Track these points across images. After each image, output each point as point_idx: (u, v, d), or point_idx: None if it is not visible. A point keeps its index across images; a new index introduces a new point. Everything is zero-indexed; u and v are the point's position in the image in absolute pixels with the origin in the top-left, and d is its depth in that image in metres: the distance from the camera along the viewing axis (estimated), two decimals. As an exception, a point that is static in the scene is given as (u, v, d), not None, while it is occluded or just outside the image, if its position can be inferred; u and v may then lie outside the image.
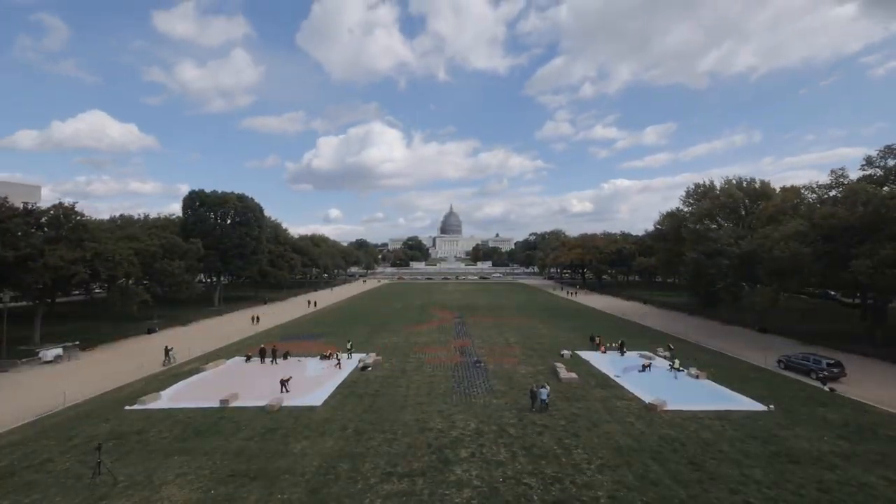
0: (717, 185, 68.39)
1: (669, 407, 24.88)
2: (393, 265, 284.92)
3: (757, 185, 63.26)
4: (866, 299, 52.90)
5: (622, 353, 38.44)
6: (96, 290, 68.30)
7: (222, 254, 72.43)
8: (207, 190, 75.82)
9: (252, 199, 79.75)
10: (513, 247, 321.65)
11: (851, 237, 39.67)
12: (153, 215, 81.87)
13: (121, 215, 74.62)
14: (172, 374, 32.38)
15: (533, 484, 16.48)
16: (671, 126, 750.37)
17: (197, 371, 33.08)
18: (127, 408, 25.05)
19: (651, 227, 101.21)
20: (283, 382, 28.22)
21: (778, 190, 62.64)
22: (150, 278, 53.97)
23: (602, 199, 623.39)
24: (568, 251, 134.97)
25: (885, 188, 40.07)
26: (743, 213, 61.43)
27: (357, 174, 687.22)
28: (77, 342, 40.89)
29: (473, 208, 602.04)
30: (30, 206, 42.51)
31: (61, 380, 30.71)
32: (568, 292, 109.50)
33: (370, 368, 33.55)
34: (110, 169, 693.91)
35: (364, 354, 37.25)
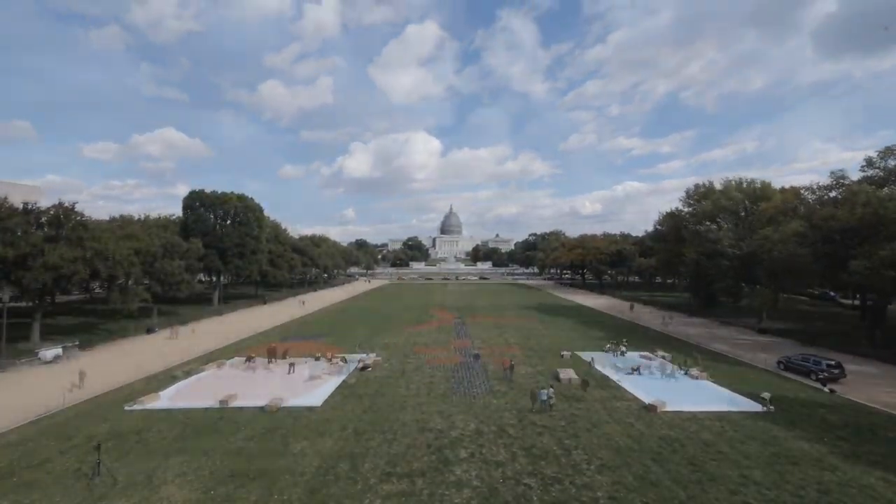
0: (718, 185, 68.37)
1: (669, 408, 24.89)
2: (393, 265, 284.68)
3: (757, 186, 63.23)
4: (866, 300, 52.99)
5: (622, 354, 38.44)
6: (96, 290, 68.35)
7: (222, 253, 72.42)
8: (208, 190, 75.88)
9: (252, 199, 79.70)
10: (512, 247, 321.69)
11: (851, 238, 39.73)
12: (153, 215, 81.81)
13: (120, 215, 74.51)
14: (172, 375, 32.35)
15: (532, 484, 16.48)
16: (687, 134, 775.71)
17: (196, 371, 33.06)
18: (126, 408, 25.04)
19: (651, 228, 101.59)
20: (291, 365, 32.52)
21: (778, 190, 62.64)
22: (150, 278, 53.93)
23: (611, 200, 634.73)
24: (568, 251, 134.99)
25: (885, 189, 40.10)
26: (743, 214, 61.40)
27: (390, 180, 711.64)
28: (76, 342, 40.87)
29: (485, 209, 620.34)
30: (30, 206, 42.48)
31: (61, 380, 30.68)
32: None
33: (370, 369, 33.54)
34: (170, 178, 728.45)
35: (364, 354, 37.24)
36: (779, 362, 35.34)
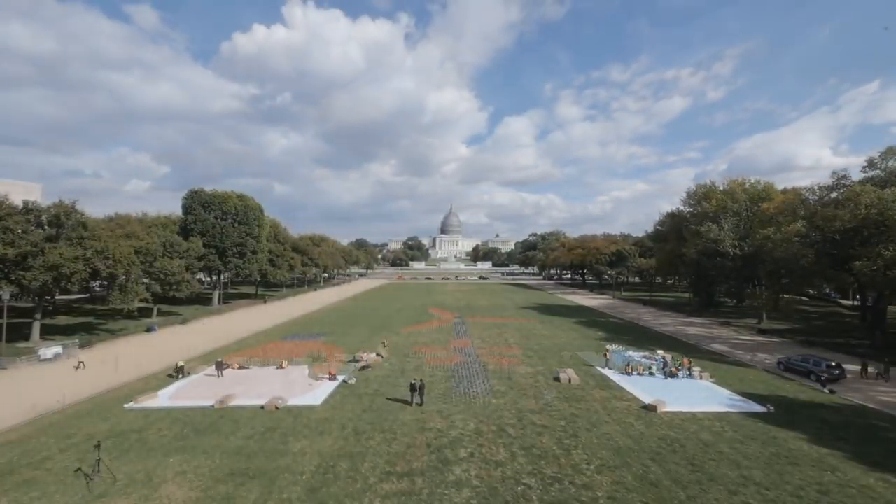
0: (720, 185, 68.12)
1: (669, 408, 24.88)
2: (393, 265, 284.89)
3: (759, 187, 63.12)
4: (866, 302, 52.94)
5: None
6: (96, 289, 68.32)
7: (222, 253, 72.43)
8: (208, 189, 75.89)
9: (252, 199, 79.70)
10: (512, 247, 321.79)
11: (853, 239, 39.69)
12: (152, 214, 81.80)
13: (116, 213, 74.41)
14: (171, 374, 32.32)
15: (532, 484, 16.47)
16: (698, 145, 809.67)
17: (195, 371, 33.03)
18: (126, 406, 25.05)
19: (651, 229, 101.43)
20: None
21: (779, 191, 62.55)
22: (150, 277, 53.94)
23: (619, 202, 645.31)
24: (568, 252, 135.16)
25: (887, 190, 40.03)
26: (745, 214, 61.28)
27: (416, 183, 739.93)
28: (76, 340, 40.90)
29: (499, 209, 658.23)
30: (30, 205, 42.49)
31: (60, 378, 30.70)
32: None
33: (370, 368, 33.53)
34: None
35: (365, 355, 37.19)
36: (779, 363, 35.33)
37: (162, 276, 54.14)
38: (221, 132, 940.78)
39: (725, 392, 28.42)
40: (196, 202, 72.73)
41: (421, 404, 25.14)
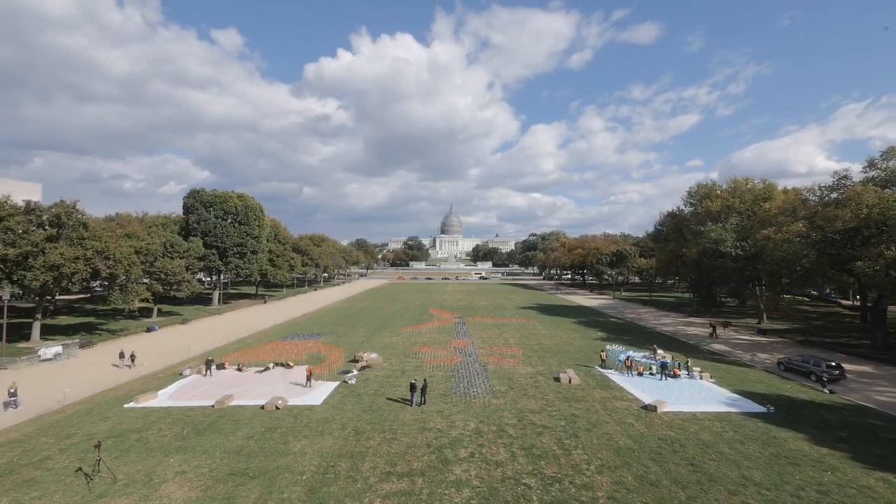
0: (723, 185, 67.88)
1: (669, 408, 24.87)
2: (393, 265, 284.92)
3: (761, 187, 62.96)
4: (866, 302, 52.90)
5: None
6: (97, 289, 68.37)
7: (222, 253, 72.46)
8: (209, 189, 75.94)
9: (252, 198, 79.76)
10: (512, 247, 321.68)
11: (854, 239, 39.65)
12: (152, 213, 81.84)
13: (117, 213, 74.44)
14: (171, 374, 32.38)
15: (532, 484, 16.46)
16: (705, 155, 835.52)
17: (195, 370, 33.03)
18: (126, 406, 25.06)
19: (652, 229, 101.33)
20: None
21: (781, 191, 62.40)
22: (151, 277, 53.99)
23: (627, 203, 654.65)
24: (568, 252, 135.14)
25: (888, 190, 40.01)
26: (746, 214, 61.14)
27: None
28: (76, 340, 40.94)
29: (512, 209, 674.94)
30: (32, 205, 42.53)
31: (61, 378, 30.71)
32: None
33: (370, 368, 33.51)
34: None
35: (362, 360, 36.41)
36: (779, 363, 35.31)
37: (162, 276, 54.18)
38: (276, 142, 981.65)
39: (725, 392, 28.40)
40: (197, 202, 72.77)
41: (423, 403, 25.15)
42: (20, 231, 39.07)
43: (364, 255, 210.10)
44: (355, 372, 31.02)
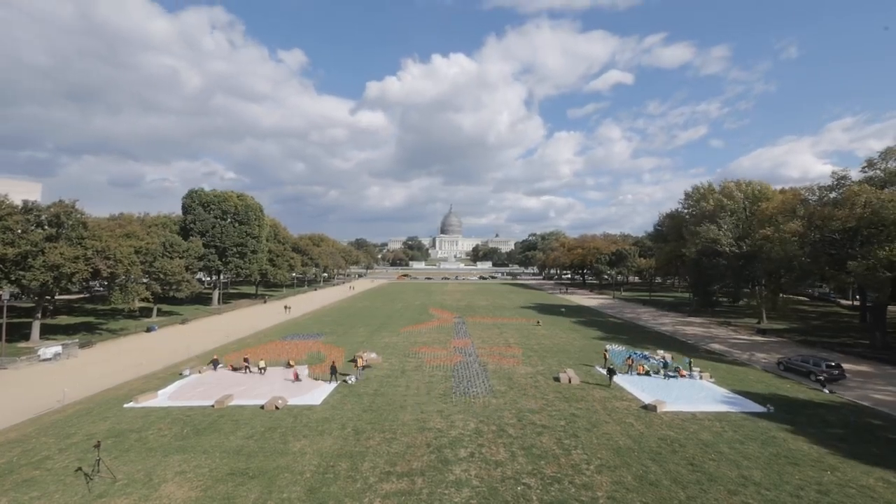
0: (717, 187, 68.21)
1: (668, 408, 24.90)
2: (393, 265, 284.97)
3: (757, 188, 63.14)
4: (866, 302, 52.97)
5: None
6: (97, 288, 68.29)
7: (222, 253, 72.42)
8: (207, 189, 75.91)
9: (252, 198, 79.73)
10: (512, 247, 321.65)
11: (851, 238, 39.73)
12: (152, 214, 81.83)
13: (120, 213, 74.46)
14: (171, 374, 32.37)
15: (532, 484, 16.47)
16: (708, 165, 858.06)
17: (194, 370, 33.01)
18: (126, 406, 25.05)
19: (651, 229, 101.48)
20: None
21: (778, 191, 62.52)
22: (150, 277, 53.97)
23: (642, 205, 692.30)
24: (567, 252, 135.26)
25: (886, 190, 40.07)
26: (743, 214, 61.32)
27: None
28: (76, 340, 40.90)
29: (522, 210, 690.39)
30: (31, 204, 42.49)
31: (60, 377, 30.69)
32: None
33: (369, 367, 33.51)
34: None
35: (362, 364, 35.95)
36: (779, 363, 35.36)
37: (162, 275, 54.16)
38: (318, 148, 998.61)
39: (725, 392, 28.43)
40: (196, 202, 72.71)
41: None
42: (19, 231, 39.02)
43: (364, 254, 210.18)
44: (354, 377, 30.52)
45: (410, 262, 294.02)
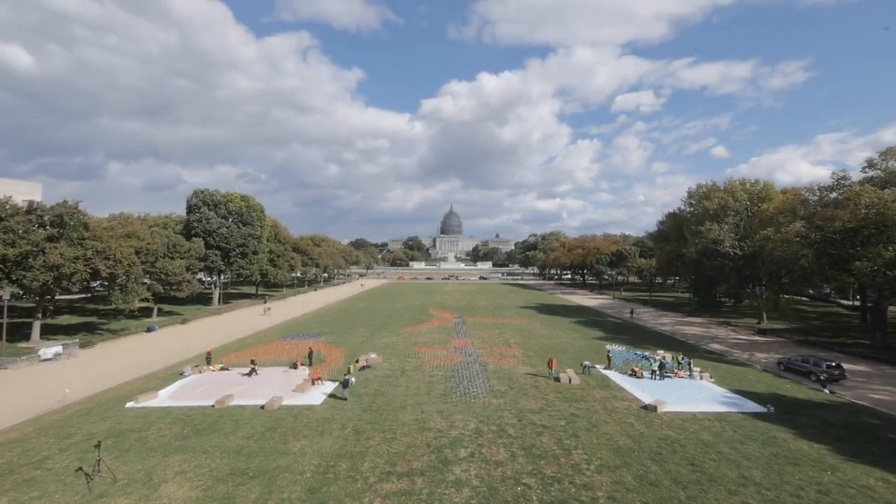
0: (720, 185, 68.05)
1: (669, 408, 24.88)
2: (393, 265, 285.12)
3: (760, 187, 63.06)
4: (866, 302, 52.93)
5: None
6: (97, 289, 68.36)
7: (225, 253, 72.51)
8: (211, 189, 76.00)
9: (254, 199, 79.88)
10: (512, 247, 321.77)
11: (853, 239, 39.68)
12: (154, 214, 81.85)
13: (120, 213, 74.52)
14: (172, 374, 32.39)
15: (532, 484, 16.47)
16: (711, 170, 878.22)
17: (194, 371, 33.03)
18: (126, 406, 25.07)
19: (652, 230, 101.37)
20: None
21: (780, 191, 62.46)
22: (151, 277, 54.01)
23: (650, 205, 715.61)
24: (567, 252, 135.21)
25: (887, 190, 40.02)
26: (745, 214, 61.25)
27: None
28: (77, 340, 40.94)
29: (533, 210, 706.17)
30: (33, 205, 42.57)
31: (61, 377, 30.72)
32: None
33: (369, 368, 33.52)
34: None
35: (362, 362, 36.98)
36: (779, 363, 35.34)
37: (163, 276, 54.20)
38: (354, 153, 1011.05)
39: (725, 392, 28.42)
40: (201, 202, 72.84)
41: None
42: (20, 231, 39.09)
43: (364, 254, 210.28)
44: (353, 379, 30.25)
45: (410, 263, 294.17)
